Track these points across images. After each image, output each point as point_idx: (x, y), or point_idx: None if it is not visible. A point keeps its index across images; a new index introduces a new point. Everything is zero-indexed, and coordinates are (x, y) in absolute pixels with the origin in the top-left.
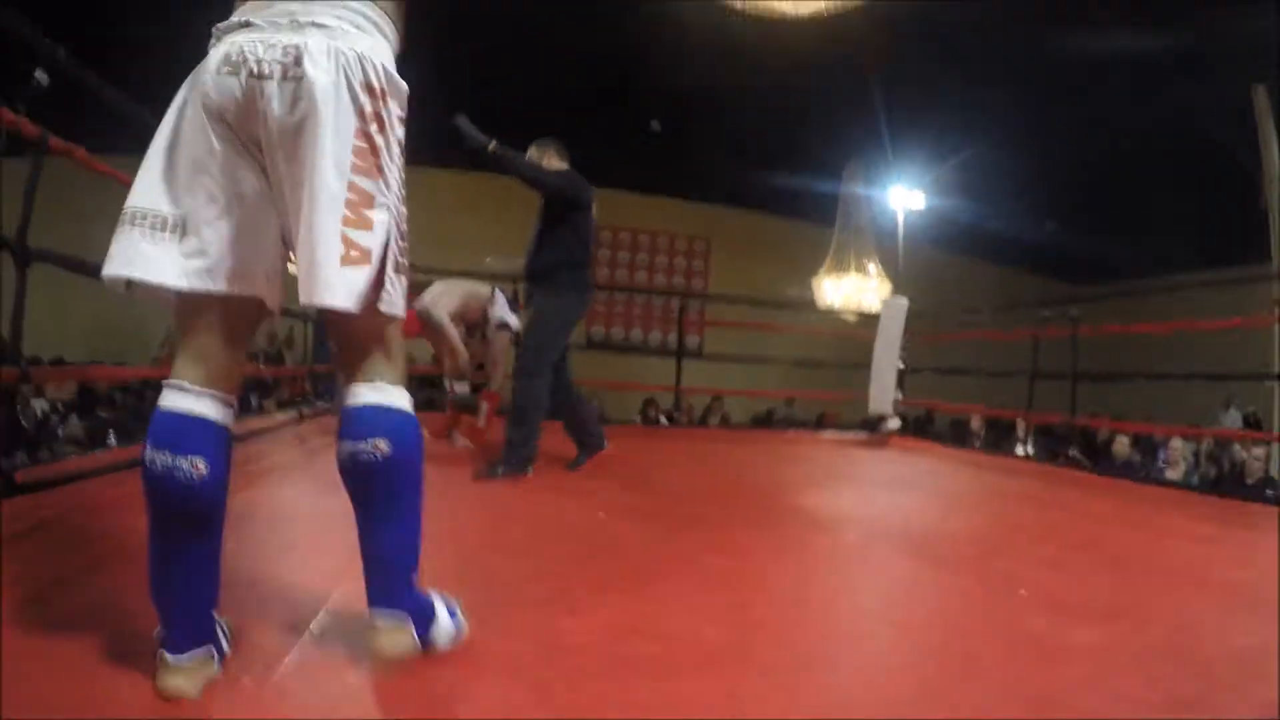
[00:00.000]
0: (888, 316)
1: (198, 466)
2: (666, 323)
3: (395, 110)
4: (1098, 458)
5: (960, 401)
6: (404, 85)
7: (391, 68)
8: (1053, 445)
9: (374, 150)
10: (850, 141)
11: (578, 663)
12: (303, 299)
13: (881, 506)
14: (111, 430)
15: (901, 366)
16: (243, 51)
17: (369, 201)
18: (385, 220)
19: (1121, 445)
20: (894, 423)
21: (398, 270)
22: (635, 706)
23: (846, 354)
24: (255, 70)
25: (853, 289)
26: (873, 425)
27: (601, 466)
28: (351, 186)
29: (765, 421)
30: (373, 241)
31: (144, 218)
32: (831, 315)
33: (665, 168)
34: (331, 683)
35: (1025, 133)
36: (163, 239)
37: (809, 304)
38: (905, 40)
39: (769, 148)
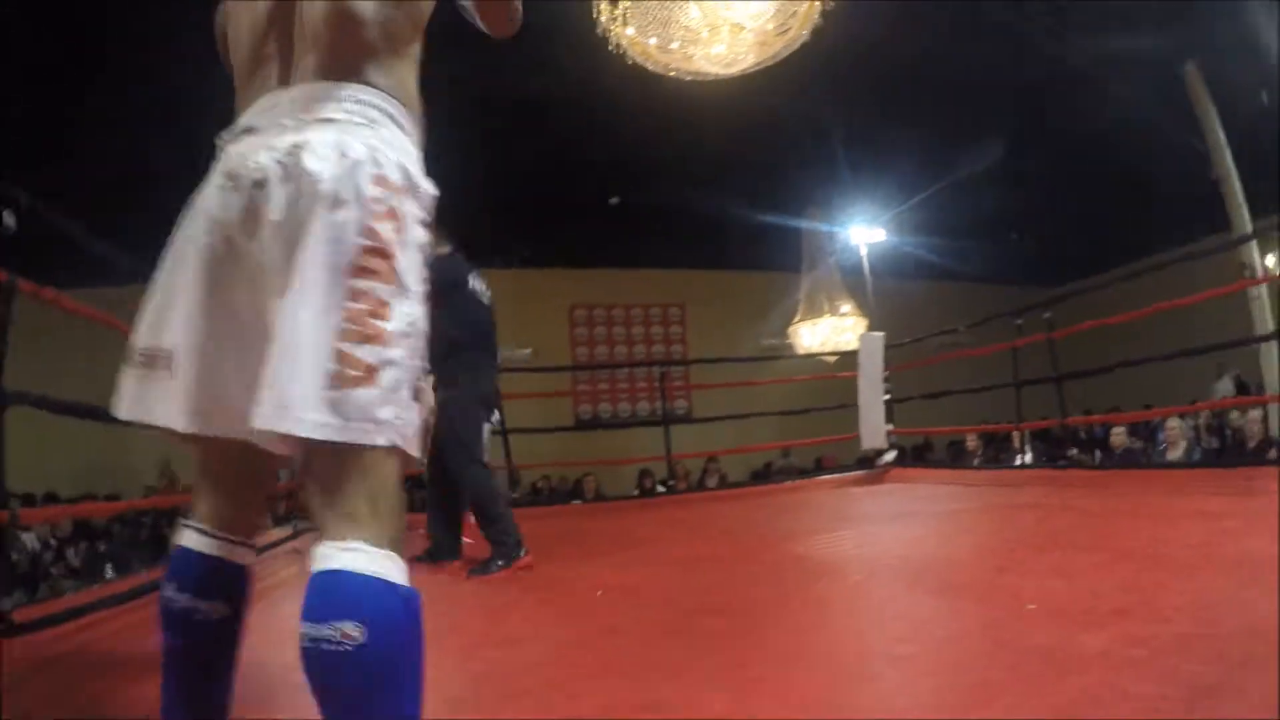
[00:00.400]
0: (866, 352)
1: (217, 609)
2: (653, 392)
3: (414, 210)
4: (1097, 453)
5: (956, 422)
6: (428, 186)
7: (412, 164)
8: (1051, 449)
9: (384, 251)
10: (806, 187)
11: None
12: (259, 423)
13: (882, 542)
14: (109, 563)
15: (887, 398)
16: (244, 160)
17: (380, 310)
18: (402, 331)
19: (1119, 436)
20: (890, 455)
21: (416, 395)
22: None
23: (834, 396)
24: (256, 178)
25: (829, 330)
26: (869, 461)
27: (600, 543)
28: (354, 293)
29: (764, 475)
30: (382, 357)
31: (142, 355)
32: (813, 360)
33: (631, 240)
34: None
35: (977, 151)
36: (157, 377)
37: (789, 352)
38: (847, 82)
39: (727, 205)
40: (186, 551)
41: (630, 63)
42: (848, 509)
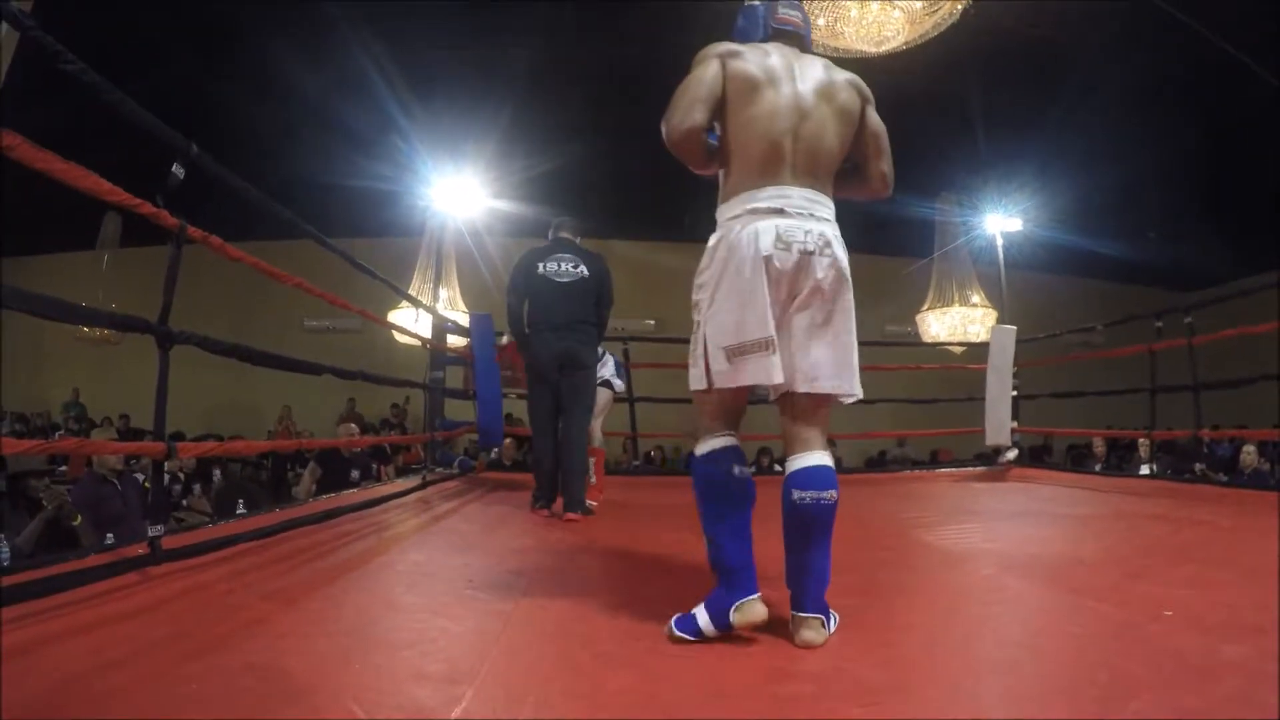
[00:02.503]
0: (997, 345)
1: (747, 471)
2: None
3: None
4: (1225, 469)
5: (1076, 424)
6: None
7: None
8: (1176, 461)
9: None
10: (941, 172)
11: (739, 705)
12: (834, 390)
13: (1011, 538)
14: (241, 499)
15: (1015, 394)
16: (791, 233)
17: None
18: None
19: (1249, 455)
20: (1012, 453)
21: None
22: None
23: (956, 388)
24: (803, 249)
25: (957, 321)
26: (990, 458)
27: None
28: (853, 322)
29: (879, 463)
30: (857, 353)
31: (745, 345)
32: (938, 349)
33: None
34: None
35: (1119, 141)
36: (758, 356)
37: (914, 340)
38: (990, 68)
39: None
40: (725, 446)
41: None
42: (972, 503)
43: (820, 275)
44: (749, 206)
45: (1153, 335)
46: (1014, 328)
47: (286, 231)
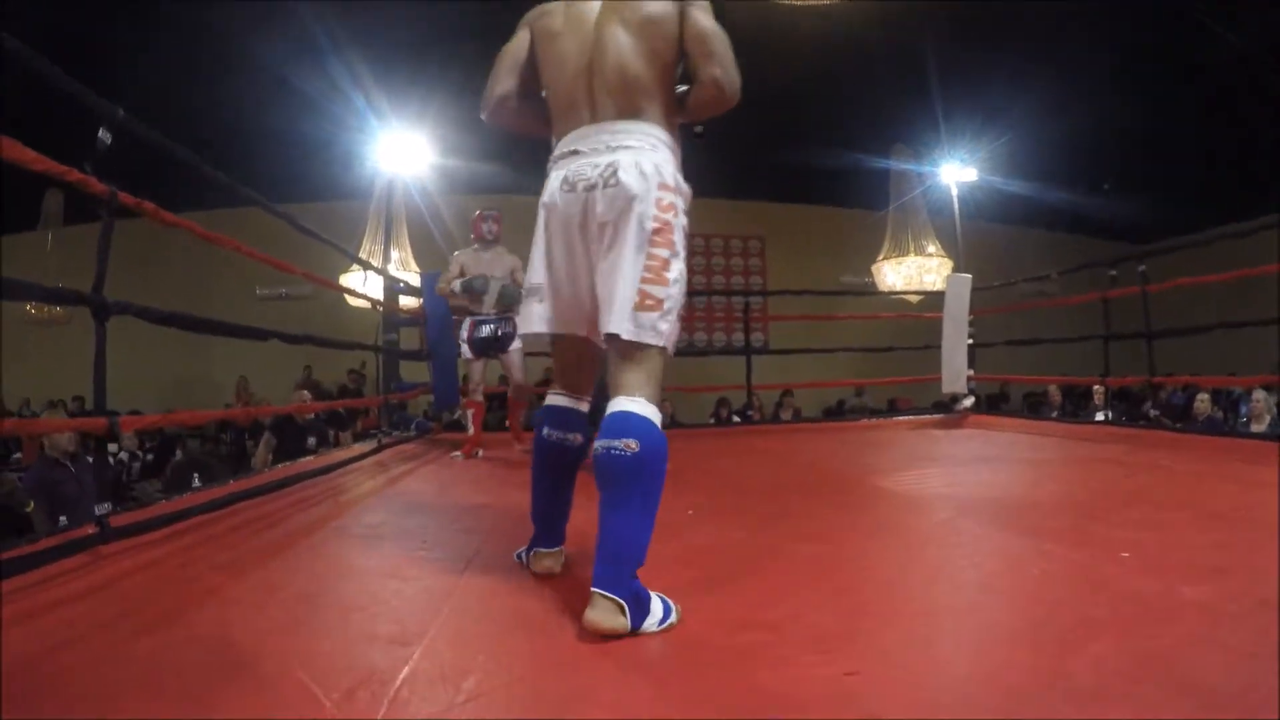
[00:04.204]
0: (952, 295)
1: (576, 437)
2: (730, 323)
3: (680, 203)
4: (1179, 417)
5: (1032, 372)
6: (687, 188)
7: (678, 174)
8: (1130, 408)
9: (669, 228)
10: (894, 123)
11: (694, 656)
12: (602, 329)
13: (968, 483)
14: (195, 473)
15: (970, 342)
16: (578, 173)
17: (665, 265)
18: (675, 279)
19: (1203, 402)
20: (968, 401)
21: (676, 316)
22: (758, 692)
23: (913, 337)
24: (587, 185)
25: (913, 270)
26: (947, 405)
27: (684, 466)
28: (650, 256)
29: (837, 412)
30: (666, 294)
31: (528, 291)
32: (894, 299)
33: (714, 170)
34: (450, 692)
35: (1073, 93)
36: (534, 303)
37: (871, 290)
38: (942, 16)
39: (814, 138)
40: (552, 405)
41: None
42: (930, 450)
43: (601, 209)
44: (553, 156)
45: (1107, 284)
46: (969, 276)
47: (233, 199)
